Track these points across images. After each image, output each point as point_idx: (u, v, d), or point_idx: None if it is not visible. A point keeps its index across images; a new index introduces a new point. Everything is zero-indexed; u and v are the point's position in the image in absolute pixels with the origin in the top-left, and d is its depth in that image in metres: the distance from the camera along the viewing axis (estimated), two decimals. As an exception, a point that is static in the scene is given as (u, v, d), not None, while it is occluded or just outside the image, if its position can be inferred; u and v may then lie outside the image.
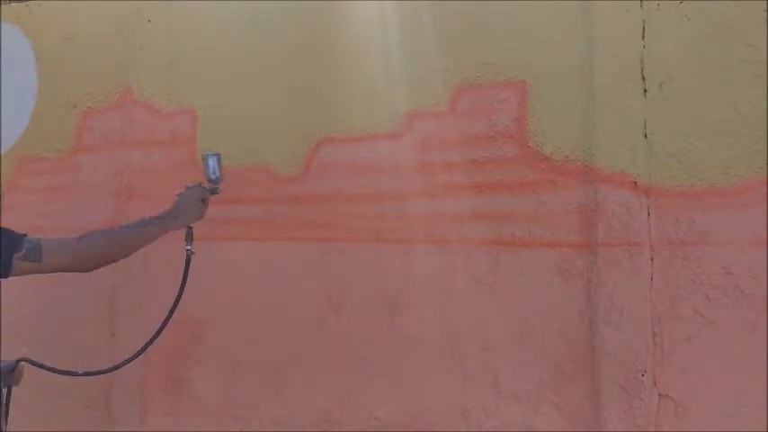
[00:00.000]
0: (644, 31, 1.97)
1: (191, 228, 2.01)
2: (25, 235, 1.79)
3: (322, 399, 2.38)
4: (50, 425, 2.74)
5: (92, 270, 1.87)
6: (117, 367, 2.01)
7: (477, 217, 2.17)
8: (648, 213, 1.95)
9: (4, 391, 1.82)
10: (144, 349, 2.02)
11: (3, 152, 3.01)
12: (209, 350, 2.57)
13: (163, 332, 2.03)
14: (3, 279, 1.80)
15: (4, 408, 1.81)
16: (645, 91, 1.97)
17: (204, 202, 1.99)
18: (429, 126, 2.26)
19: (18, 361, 1.88)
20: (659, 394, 1.93)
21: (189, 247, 2.01)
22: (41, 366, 1.93)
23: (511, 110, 2.13)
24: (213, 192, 2.01)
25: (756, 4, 1.86)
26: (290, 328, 2.43)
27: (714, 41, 1.90)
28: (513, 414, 2.11)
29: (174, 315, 2.01)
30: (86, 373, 2.03)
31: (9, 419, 1.85)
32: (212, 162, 2.03)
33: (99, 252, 1.86)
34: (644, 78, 1.97)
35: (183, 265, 2.03)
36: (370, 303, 2.32)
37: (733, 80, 1.88)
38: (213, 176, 2.02)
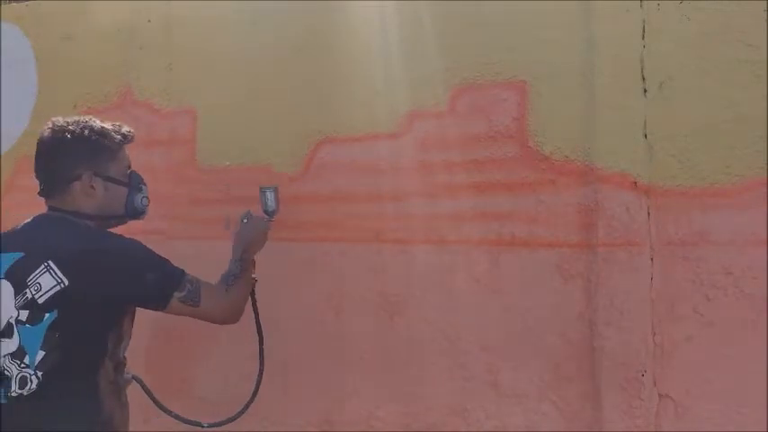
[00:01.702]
0: (644, 31, 1.97)
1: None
2: (184, 272, 1.67)
3: (322, 399, 2.38)
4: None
5: (228, 324, 1.78)
6: (237, 416, 2.12)
7: (477, 217, 2.17)
8: (648, 213, 1.95)
9: None
10: (255, 393, 2.12)
11: (3, 152, 3.01)
12: (210, 350, 2.56)
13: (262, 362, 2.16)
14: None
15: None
16: (645, 91, 1.96)
17: (267, 233, 2.03)
18: (429, 126, 2.26)
19: (132, 376, 1.86)
20: (659, 394, 1.93)
21: (253, 275, 2.00)
22: (150, 395, 2.02)
23: (511, 110, 2.13)
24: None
25: (756, 4, 1.85)
26: (290, 328, 2.43)
27: (714, 41, 1.89)
28: (513, 414, 2.11)
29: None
30: (211, 425, 2.08)
31: None
32: (270, 195, 2.11)
33: (240, 305, 1.79)
34: (644, 78, 1.96)
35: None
36: (370, 303, 2.32)
37: (733, 80, 1.87)
38: (270, 209, 2.11)
